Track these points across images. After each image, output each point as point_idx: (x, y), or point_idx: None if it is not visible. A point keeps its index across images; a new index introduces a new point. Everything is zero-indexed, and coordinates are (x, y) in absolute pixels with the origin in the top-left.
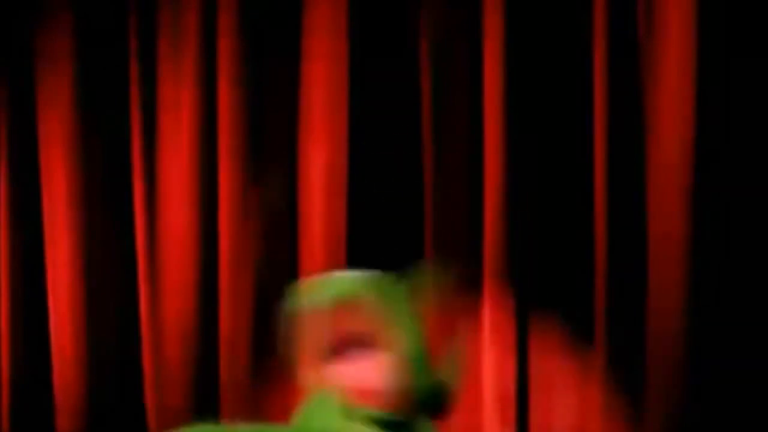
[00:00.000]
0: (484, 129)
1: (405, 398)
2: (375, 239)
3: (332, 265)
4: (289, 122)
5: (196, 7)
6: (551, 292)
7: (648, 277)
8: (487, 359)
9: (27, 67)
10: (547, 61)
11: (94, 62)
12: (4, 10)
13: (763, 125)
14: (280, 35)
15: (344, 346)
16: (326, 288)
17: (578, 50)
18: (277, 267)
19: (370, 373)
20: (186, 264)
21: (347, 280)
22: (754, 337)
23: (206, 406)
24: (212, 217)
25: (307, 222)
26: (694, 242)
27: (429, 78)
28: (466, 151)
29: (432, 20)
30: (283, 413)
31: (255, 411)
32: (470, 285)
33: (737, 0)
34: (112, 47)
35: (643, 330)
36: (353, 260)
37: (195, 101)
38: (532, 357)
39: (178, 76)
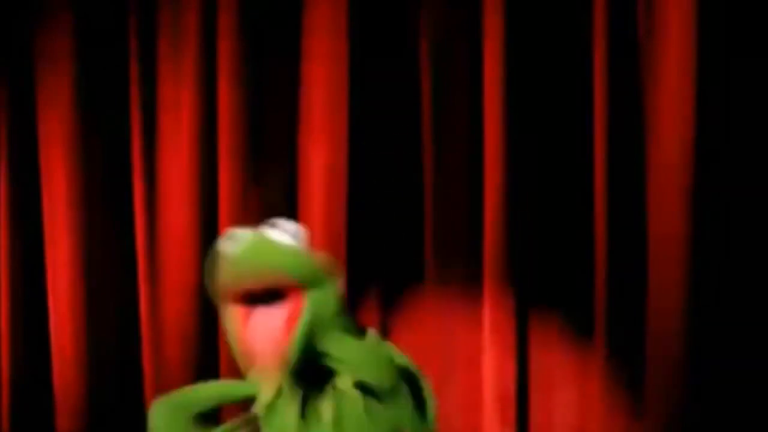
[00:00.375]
0: (484, 129)
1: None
2: (375, 239)
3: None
4: (289, 122)
5: (196, 7)
6: (551, 292)
7: (648, 277)
8: (487, 359)
9: (27, 67)
10: (547, 61)
11: (94, 62)
12: (4, 10)
13: (763, 125)
14: (280, 35)
15: (259, 295)
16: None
17: (578, 50)
18: None
19: (274, 326)
20: (186, 264)
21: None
22: (754, 337)
23: None
24: (212, 217)
25: (307, 222)
26: (694, 242)
27: (429, 78)
28: (466, 151)
29: (432, 20)
30: None
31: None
32: (470, 285)
33: (737, 0)
34: (112, 47)
35: (643, 330)
36: (353, 260)
37: (195, 101)
38: (532, 357)
39: (178, 76)
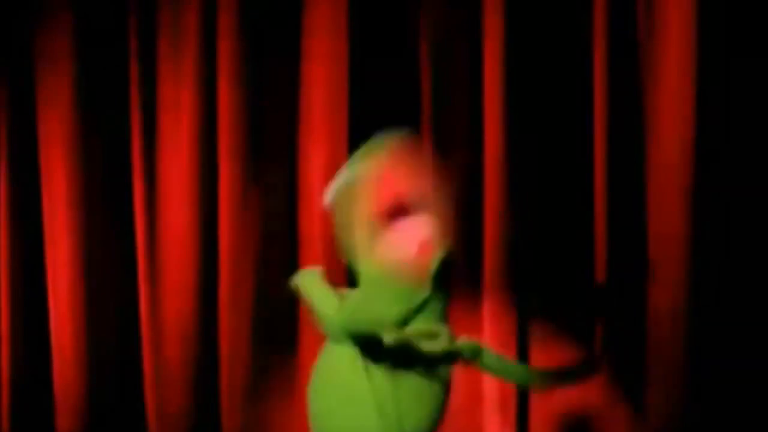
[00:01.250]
0: (484, 129)
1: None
2: None
3: (332, 265)
4: (289, 122)
5: (196, 7)
6: (551, 292)
7: (648, 276)
8: None
9: (27, 67)
10: (547, 61)
11: (94, 62)
12: (4, 10)
13: (763, 125)
14: (280, 35)
15: (389, 215)
16: (372, 156)
17: (578, 50)
18: (277, 267)
19: (424, 227)
20: (186, 264)
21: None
22: (754, 337)
23: (206, 406)
24: (212, 217)
25: (307, 222)
26: (694, 242)
27: (429, 78)
28: (466, 150)
29: (432, 20)
30: (282, 413)
31: (255, 411)
32: (470, 285)
33: (737, 0)
34: (112, 47)
35: (643, 330)
36: None
37: (195, 101)
38: (532, 357)
39: (178, 76)
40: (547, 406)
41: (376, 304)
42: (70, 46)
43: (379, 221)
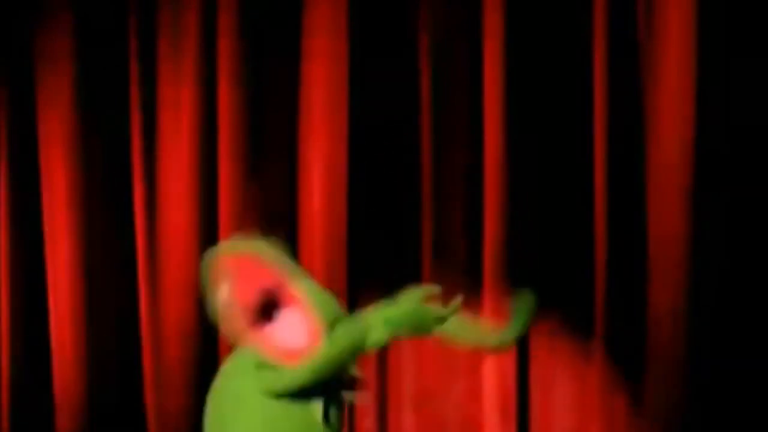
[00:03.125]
0: (484, 129)
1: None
2: (375, 239)
3: (332, 264)
4: (289, 122)
5: (196, 7)
6: (551, 292)
7: (648, 277)
8: (488, 360)
9: (27, 67)
10: (547, 61)
11: (94, 62)
12: (4, 10)
13: (763, 125)
14: (280, 35)
15: (264, 308)
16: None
17: (578, 50)
18: None
19: (292, 333)
20: (186, 264)
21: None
22: (754, 337)
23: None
24: (212, 217)
25: (307, 222)
26: (694, 242)
27: (429, 78)
28: (466, 151)
29: (432, 20)
30: None
31: None
32: (470, 285)
33: (737, 0)
34: (112, 47)
35: (643, 330)
36: (353, 260)
37: (195, 101)
38: (532, 357)
39: (178, 76)
40: (547, 406)
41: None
42: (70, 46)
43: (249, 322)
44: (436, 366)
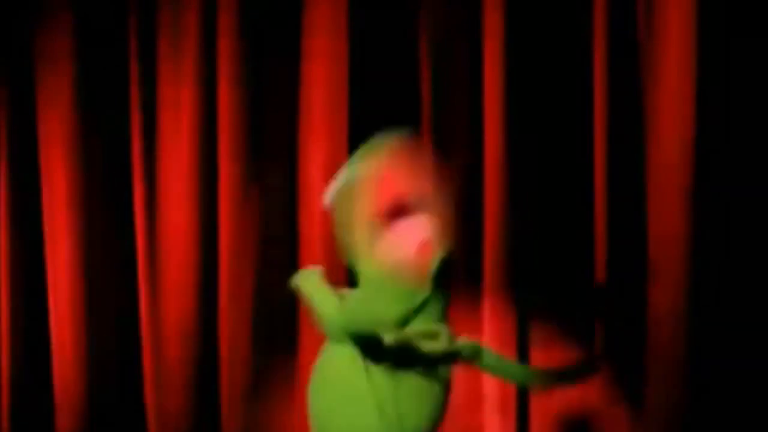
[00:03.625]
0: (484, 129)
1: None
2: None
3: (332, 265)
4: (289, 122)
5: (196, 7)
6: (551, 292)
7: (648, 277)
8: None
9: (27, 67)
10: (547, 61)
11: (94, 62)
12: (4, 10)
13: (763, 125)
14: (280, 35)
15: (390, 215)
16: (372, 156)
17: (578, 50)
18: (277, 267)
19: (424, 227)
20: (186, 264)
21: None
22: (754, 337)
23: (206, 406)
24: (212, 217)
25: (307, 222)
26: (694, 242)
27: (429, 78)
28: (466, 150)
29: (432, 20)
30: (282, 413)
31: (255, 411)
32: (470, 285)
33: (737, 0)
34: (112, 47)
35: (643, 330)
36: None
37: (195, 101)
38: (532, 357)
39: (178, 76)
40: (547, 406)
41: (375, 304)
42: (70, 46)
43: (379, 221)
44: None
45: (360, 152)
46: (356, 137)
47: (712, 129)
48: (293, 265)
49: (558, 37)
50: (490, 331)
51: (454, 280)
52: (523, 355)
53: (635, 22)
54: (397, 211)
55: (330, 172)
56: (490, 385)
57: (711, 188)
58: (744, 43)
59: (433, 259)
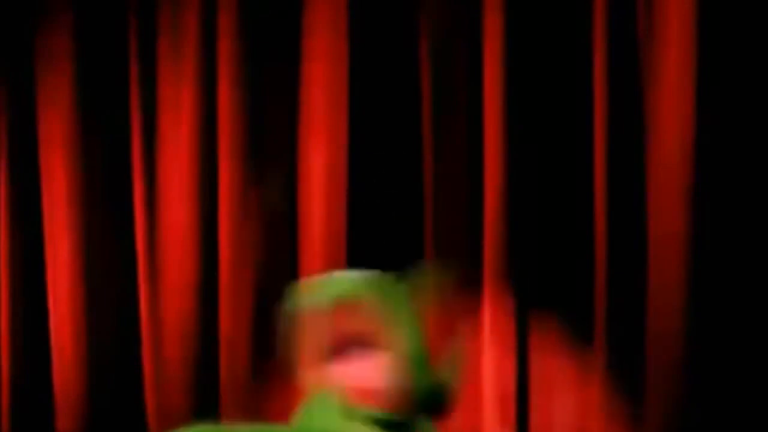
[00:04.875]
0: (484, 129)
1: (405, 398)
2: (375, 239)
3: (332, 265)
4: (289, 122)
5: (196, 7)
6: (551, 292)
7: (648, 277)
8: (487, 359)
9: (27, 67)
10: (547, 61)
11: (94, 62)
12: (4, 10)
13: (763, 125)
14: (280, 35)
15: (344, 346)
16: (326, 288)
17: (578, 50)
18: (277, 267)
19: (371, 372)
20: (186, 264)
21: (347, 280)
22: (754, 337)
23: (206, 406)
24: (212, 217)
25: (307, 222)
26: (694, 242)
27: (429, 78)
28: (466, 151)
29: (432, 20)
30: (283, 414)
31: (255, 411)
32: (470, 285)
33: (737, 0)
34: (112, 47)
35: (643, 330)
36: (353, 260)
37: (195, 101)
38: (532, 357)
39: (178, 76)
40: (547, 406)
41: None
42: (70, 46)
43: (328, 355)
44: None
45: (318, 281)
46: (356, 137)
47: (712, 129)
48: (293, 265)
49: (558, 37)
50: (490, 331)
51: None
52: (523, 355)
53: (635, 22)
54: (350, 346)
55: (330, 172)
56: (490, 385)
57: (711, 188)
58: (744, 43)
59: (368, 408)
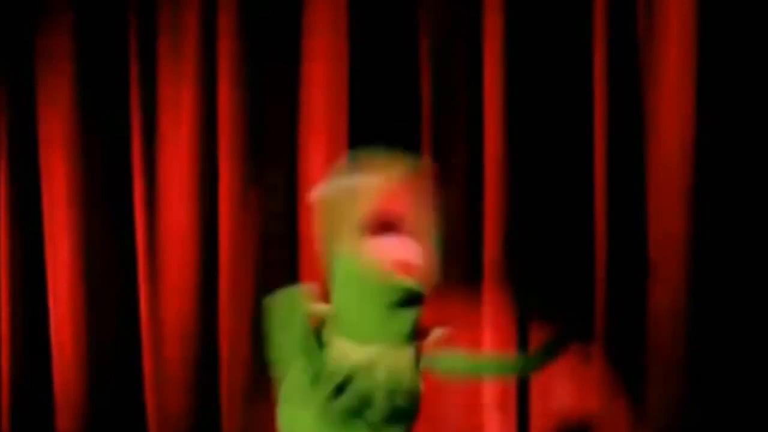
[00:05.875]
0: (484, 129)
1: (431, 275)
2: None
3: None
4: (289, 122)
5: (196, 7)
6: (551, 292)
7: (648, 277)
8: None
9: (27, 67)
10: (547, 61)
11: (94, 62)
12: (4, 10)
13: (763, 125)
14: (280, 35)
15: (380, 226)
16: (374, 168)
17: (578, 50)
18: (277, 267)
19: (410, 248)
20: (186, 264)
21: (394, 164)
22: (754, 338)
23: (206, 406)
24: (212, 218)
25: (307, 222)
26: (694, 242)
27: (429, 78)
28: (466, 151)
29: (432, 20)
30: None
31: (255, 411)
32: (470, 285)
33: (737, 0)
34: (112, 47)
35: (643, 330)
36: None
37: (195, 101)
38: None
39: (178, 76)
40: (547, 406)
41: (353, 302)
42: (70, 46)
43: (367, 231)
44: None
45: (361, 160)
46: (356, 137)
47: (712, 129)
48: (293, 265)
49: (558, 37)
50: (490, 331)
51: (419, 311)
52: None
53: (635, 22)
54: (385, 227)
55: (330, 172)
56: (490, 384)
57: (711, 188)
58: (744, 43)
59: (408, 280)
